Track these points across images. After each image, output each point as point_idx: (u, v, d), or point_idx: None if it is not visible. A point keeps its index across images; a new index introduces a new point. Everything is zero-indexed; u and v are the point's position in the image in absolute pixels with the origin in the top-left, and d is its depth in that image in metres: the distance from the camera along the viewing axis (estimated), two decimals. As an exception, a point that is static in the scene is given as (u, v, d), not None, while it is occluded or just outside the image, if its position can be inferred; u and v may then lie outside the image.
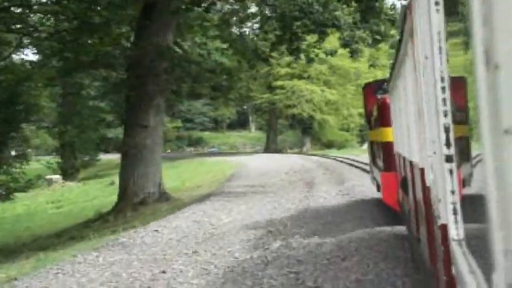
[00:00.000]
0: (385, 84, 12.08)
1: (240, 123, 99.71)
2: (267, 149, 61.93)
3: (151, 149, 22.65)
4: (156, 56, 20.79)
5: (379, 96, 12.31)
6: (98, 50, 20.65)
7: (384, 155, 11.26)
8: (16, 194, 40.13)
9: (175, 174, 37.11)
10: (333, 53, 27.37)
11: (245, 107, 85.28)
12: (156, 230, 12.46)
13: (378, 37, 25.40)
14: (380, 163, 11.85)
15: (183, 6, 21.34)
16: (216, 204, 16.97)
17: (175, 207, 19.96)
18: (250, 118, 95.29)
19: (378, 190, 12.92)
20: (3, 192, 23.14)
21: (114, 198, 23.07)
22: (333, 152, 51.27)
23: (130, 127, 22.68)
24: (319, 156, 45.41)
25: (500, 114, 1.21)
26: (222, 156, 55.97)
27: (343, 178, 22.10)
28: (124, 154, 23.10)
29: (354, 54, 25.81)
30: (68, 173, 49.78)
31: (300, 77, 57.67)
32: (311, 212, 13.57)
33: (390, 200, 10.81)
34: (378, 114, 11.70)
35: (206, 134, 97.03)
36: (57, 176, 47.38)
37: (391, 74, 9.85)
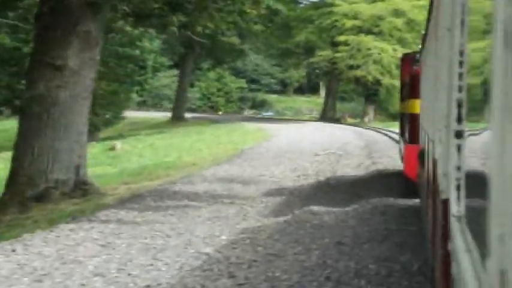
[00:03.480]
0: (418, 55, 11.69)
1: (310, 87, 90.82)
2: (323, 118, 51.46)
3: (68, 108, 13.39)
4: None
5: (413, 68, 11.79)
6: None
7: (410, 127, 11.12)
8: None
9: (190, 144, 29.19)
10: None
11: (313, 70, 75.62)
12: None
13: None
14: (406, 135, 11.79)
15: None
16: (91, 234, 7.90)
17: (80, 211, 11.02)
18: (321, 82, 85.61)
19: (402, 162, 12.57)
20: None
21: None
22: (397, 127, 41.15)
23: (36, 68, 13.55)
24: (376, 132, 35.73)
25: None
26: (268, 122, 46.85)
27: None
28: (21, 115, 14.10)
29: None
30: (90, 130, 41.88)
31: (368, 32, 46.76)
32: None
33: (411, 172, 10.55)
34: (409, 86, 11.67)
35: (272, 97, 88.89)
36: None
37: (422, 46, 9.88)
